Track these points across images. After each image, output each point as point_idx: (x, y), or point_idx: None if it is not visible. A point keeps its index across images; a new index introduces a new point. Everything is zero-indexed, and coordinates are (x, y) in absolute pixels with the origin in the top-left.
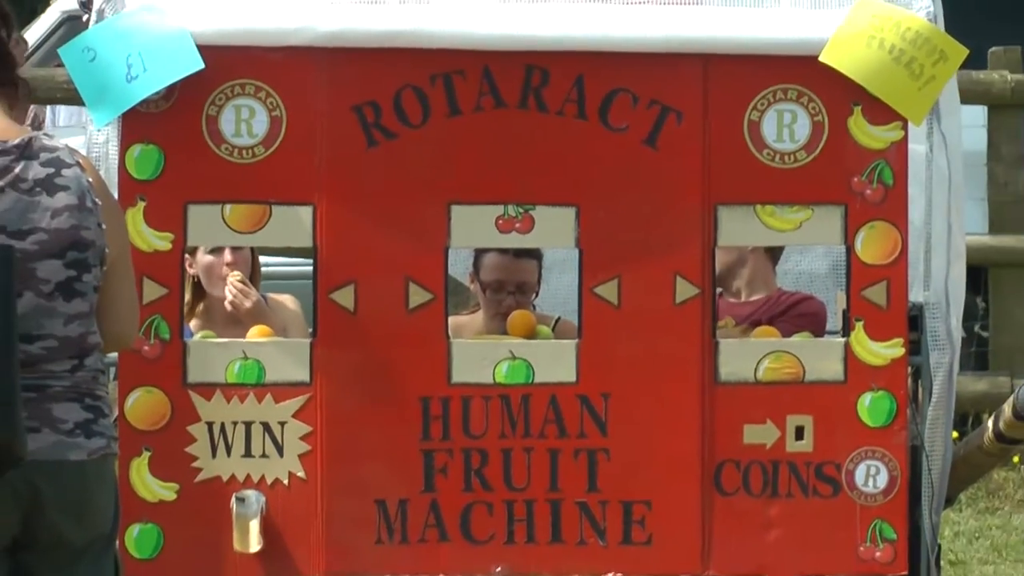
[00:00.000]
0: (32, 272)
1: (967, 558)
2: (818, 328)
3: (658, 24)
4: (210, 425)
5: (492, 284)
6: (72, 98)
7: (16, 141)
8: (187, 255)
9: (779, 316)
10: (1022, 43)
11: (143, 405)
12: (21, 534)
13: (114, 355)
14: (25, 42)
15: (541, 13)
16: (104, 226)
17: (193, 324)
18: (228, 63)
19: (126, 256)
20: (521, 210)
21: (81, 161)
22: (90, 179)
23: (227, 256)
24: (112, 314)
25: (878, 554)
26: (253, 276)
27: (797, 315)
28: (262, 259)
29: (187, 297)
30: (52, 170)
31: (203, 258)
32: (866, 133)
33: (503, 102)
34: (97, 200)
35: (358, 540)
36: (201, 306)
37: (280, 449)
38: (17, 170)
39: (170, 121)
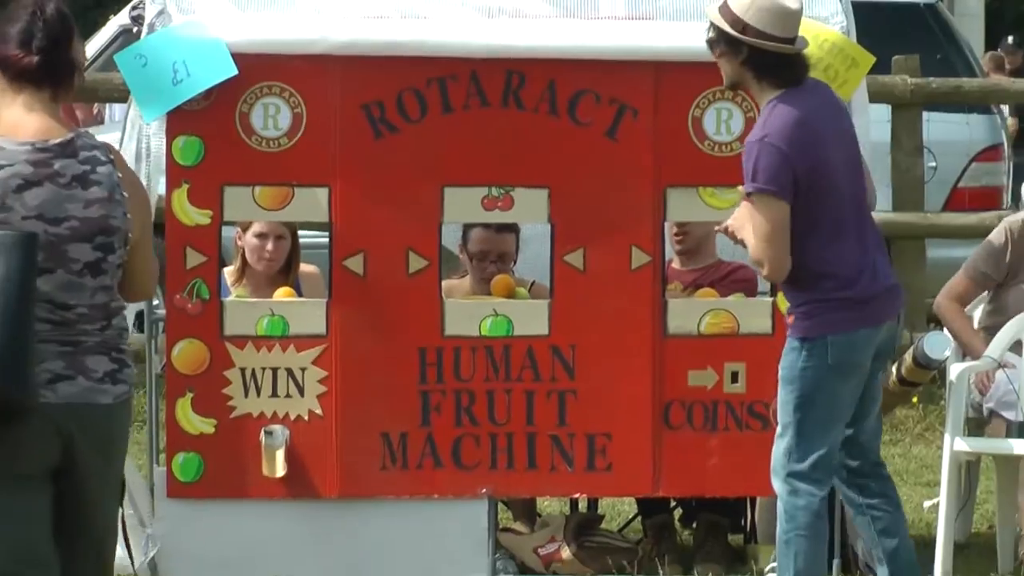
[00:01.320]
0: (64, 253)
1: None
2: (750, 290)
3: (617, 36)
4: (243, 370)
5: (478, 254)
6: (127, 98)
7: (58, 140)
8: (239, 229)
9: (718, 281)
10: (920, 52)
11: (187, 353)
12: (61, 464)
13: (162, 311)
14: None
15: (519, 27)
16: (129, 216)
17: (239, 289)
18: (258, 68)
19: (148, 235)
20: (502, 191)
21: (115, 158)
22: (120, 174)
23: (269, 246)
24: (136, 277)
25: None
26: (292, 257)
27: (732, 280)
28: None
29: (237, 264)
30: (88, 167)
31: (250, 240)
32: None
33: (488, 101)
34: (125, 193)
35: (366, 467)
36: (246, 275)
37: (301, 390)
38: (56, 166)
39: (209, 116)
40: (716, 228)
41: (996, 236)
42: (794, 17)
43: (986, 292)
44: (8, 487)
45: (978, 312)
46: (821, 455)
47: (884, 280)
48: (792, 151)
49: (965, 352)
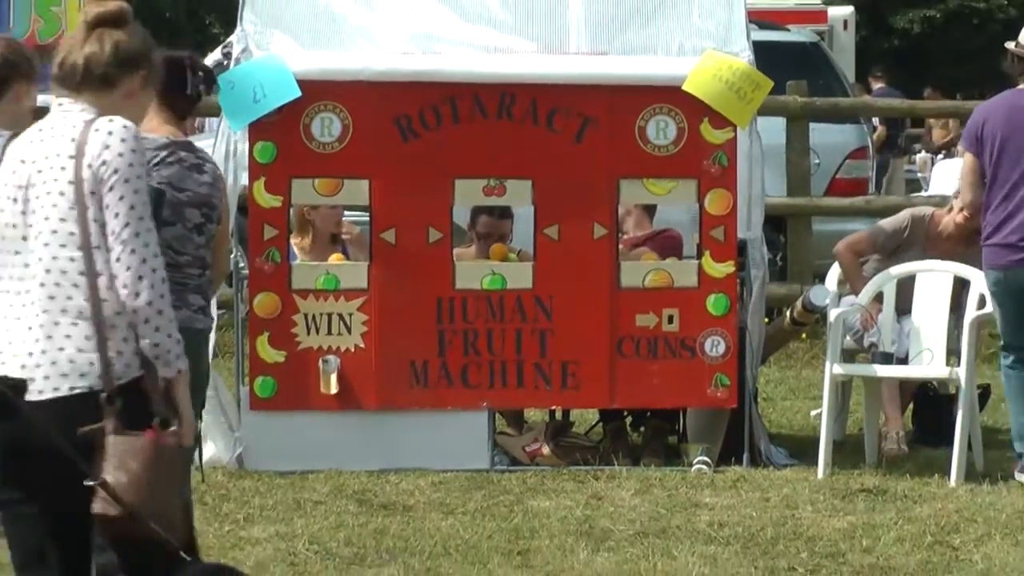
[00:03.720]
0: (182, 212)
1: (774, 396)
2: (676, 247)
3: (582, 66)
4: (306, 315)
5: (484, 235)
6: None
7: (180, 139)
8: (310, 208)
9: (650, 240)
10: (807, 78)
11: (264, 302)
12: None
13: (246, 271)
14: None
15: (510, 60)
16: (225, 201)
17: (304, 242)
18: (316, 91)
19: (228, 225)
20: (498, 182)
21: (214, 161)
22: (219, 172)
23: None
24: (219, 253)
25: (719, 394)
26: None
27: (662, 238)
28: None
29: (307, 231)
30: (201, 162)
31: (324, 211)
32: (711, 134)
33: (487, 115)
34: (222, 186)
35: (397, 386)
36: (309, 239)
37: (349, 330)
38: (181, 155)
39: (280, 126)
40: None
41: (902, 218)
42: None
43: (875, 253)
44: None
45: (869, 266)
46: (1006, 344)
47: (1006, 236)
48: (975, 121)
49: (851, 289)
